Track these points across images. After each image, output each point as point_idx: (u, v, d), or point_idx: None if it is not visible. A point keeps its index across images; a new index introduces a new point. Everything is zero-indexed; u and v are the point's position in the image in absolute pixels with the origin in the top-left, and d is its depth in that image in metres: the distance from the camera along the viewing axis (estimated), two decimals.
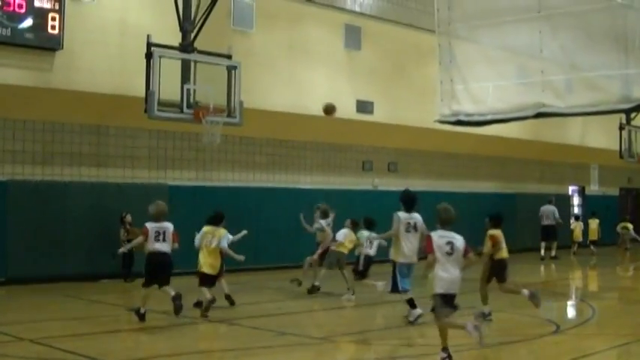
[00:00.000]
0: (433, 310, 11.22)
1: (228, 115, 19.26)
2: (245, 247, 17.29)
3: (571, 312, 17.90)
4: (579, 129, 36.13)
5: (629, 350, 12.42)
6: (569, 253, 32.61)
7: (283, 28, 24.72)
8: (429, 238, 11.24)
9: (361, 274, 17.37)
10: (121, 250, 16.40)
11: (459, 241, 11.11)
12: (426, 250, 11.19)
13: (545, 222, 31.01)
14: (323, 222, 19.04)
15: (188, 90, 18.74)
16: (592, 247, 33.19)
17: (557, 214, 31.12)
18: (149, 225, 14.43)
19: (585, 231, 33.70)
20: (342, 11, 26.61)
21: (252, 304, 17.80)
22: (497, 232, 15.04)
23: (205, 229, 16.12)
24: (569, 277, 26.33)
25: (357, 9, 27.28)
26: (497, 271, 14.95)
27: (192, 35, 19.30)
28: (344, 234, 18.33)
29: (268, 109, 23.66)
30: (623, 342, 12.77)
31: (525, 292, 14.75)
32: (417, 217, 14.58)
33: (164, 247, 14.36)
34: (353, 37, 26.67)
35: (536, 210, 31.65)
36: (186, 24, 19.22)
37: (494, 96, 18.36)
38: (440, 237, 11.12)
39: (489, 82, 18.54)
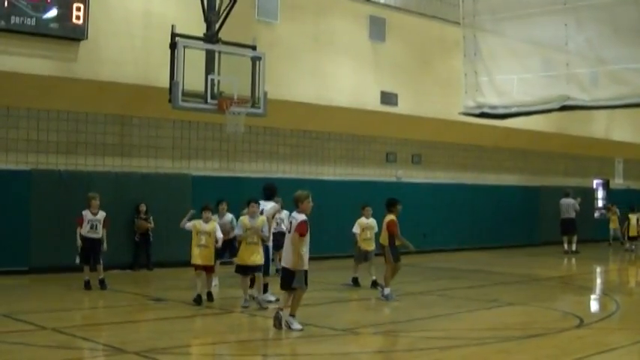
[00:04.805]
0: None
1: (253, 106, 19.28)
2: None
3: (594, 306, 17.79)
4: (604, 122, 35.82)
5: None
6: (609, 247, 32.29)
7: (308, 19, 24.63)
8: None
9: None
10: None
11: (295, 220, 12.79)
12: None
13: (564, 215, 30.56)
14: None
15: (212, 80, 18.78)
16: (631, 244, 32.12)
17: (577, 207, 30.69)
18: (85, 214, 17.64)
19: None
20: (367, 3, 26.50)
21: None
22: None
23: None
24: (592, 271, 26.14)
25: (382, 0, 27.22)
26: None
27: (217, 26, 19.31)
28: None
29: (292, 100, 23.64)
30: None
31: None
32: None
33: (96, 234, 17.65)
34: (377, 29, 26.52)
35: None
36: (211, 14, 19.24)
37: (519, 88, 18.31)
38: (289, 218, 13.15)
39: (514, 75, 18.49)
